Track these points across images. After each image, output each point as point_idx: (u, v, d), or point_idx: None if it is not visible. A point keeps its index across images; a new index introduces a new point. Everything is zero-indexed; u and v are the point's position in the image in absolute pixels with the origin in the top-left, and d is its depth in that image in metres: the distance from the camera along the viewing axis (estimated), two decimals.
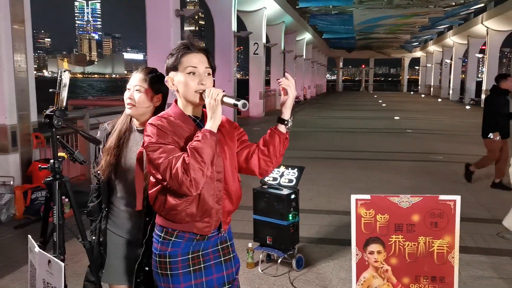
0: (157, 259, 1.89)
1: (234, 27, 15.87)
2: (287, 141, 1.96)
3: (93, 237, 2.23)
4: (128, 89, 2.13)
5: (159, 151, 1.75)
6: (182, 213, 1.81)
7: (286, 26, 24.03)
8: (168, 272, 1.87)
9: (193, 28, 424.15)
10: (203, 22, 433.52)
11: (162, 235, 1.89)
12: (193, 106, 1.89)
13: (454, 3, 23.04)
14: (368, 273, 2.27)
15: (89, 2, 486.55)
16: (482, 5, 24.55)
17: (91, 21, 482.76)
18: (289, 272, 3.93)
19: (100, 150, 2.19)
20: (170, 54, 1.89)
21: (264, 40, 19.87)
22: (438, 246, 2.22)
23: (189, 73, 1.83)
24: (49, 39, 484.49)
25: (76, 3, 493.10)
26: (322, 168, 8.01)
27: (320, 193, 6.51)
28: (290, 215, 3.93)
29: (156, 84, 2.13)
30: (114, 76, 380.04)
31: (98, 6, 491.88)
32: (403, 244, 2.24)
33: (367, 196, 2.26)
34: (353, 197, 2.27)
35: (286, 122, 1.93)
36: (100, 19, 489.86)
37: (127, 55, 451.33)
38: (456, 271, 2.20)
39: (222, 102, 1.78)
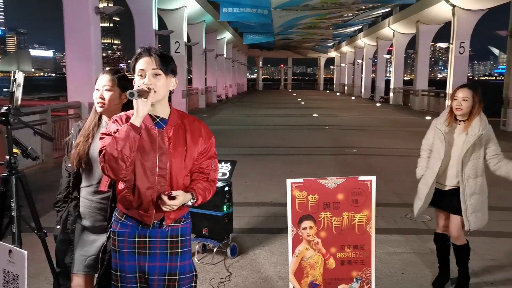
0: (111, 236, 2.10)
1: (155, 25, 15.73)
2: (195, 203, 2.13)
3: (58, 226, 2.34)
4: (97, 89, 2.28)
5: (102, 140, 1.97)
6: (125, 199, 2.04)
7: (206, 25, 24.17)
8: (116, 249, 2.07)
9: (107, 24, 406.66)
10: (117, 19, 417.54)
11: (116, 214, 2.11)
12: (152, 106, 2.02)
13: (364, 7, 24.65)
14: (302, 246, 2.62)
15: None
16: (389, 9, 26.49)
17: None
18: (224, 260, 4.17)
19: (72, 145, 2.32)
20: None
21: (185, 39, 19.86)
22: (358, 219, 2.63)
23: (140, 75, 2.02)
24: None
25: None
26: (249, 164, 8.34)
27: (248, 187, 6.82)
28: (225, 206, 4.19)
29: (123, 82, 2.31)
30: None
31: None
32: (330, 219, 2.61)
33: (300, 180, 2.60)
34: (288, 181, 2.60)
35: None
36: (2, 13, 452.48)
37: (35, 52, 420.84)
38: (373, 239, 2.63)
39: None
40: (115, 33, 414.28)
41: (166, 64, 2.03)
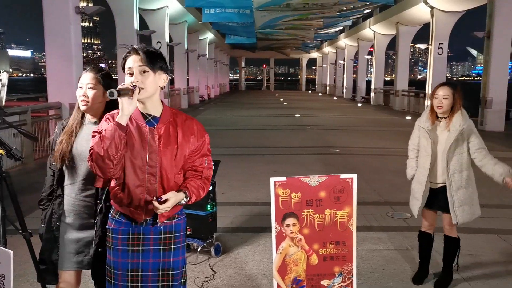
0: (106, 233, 2.13)
1: (136, 25, 15.64)
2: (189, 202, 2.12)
3: (43, 225, 2.34)
4: (80, 87, 2.29)
5: (93, 139, 1.99)
6: (116, 196, 2.06)
7: (188, 25, 24.11)
8: (110, 246, 2.10)
9: (86, 24, 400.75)
10: (98, 18, 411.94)
11: (111, 212, 2.13)
12: (143, 104, 2.05)
13: (344, 8, 24.93)
14: (285, 243, 2.67)
15: None
16: (369, 10, 26.81)
17: None
18: (208, 259, 4.19)
19: (56, 143, 2.33)
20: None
21: (167, 39, 19.79)
22: (340, 216, 2.69)
23: (128, 73, 2.03)
24: None
25: None
26: (232, 164, 8.37)
27: (231, 187, 6.85)
28: (209, 206, 4.21)
29: (106, 80, 2.32)
30: None
31: None
32: (313, 217, 2.67)
33: (283, 178, 2.66)
34: (272, 180, 2.65)
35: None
36: None
37: (12, 52, 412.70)
38: (354, 235, 2.70)
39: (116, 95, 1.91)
40: (95, 33, 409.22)
41: (154, 61, 2.02)
